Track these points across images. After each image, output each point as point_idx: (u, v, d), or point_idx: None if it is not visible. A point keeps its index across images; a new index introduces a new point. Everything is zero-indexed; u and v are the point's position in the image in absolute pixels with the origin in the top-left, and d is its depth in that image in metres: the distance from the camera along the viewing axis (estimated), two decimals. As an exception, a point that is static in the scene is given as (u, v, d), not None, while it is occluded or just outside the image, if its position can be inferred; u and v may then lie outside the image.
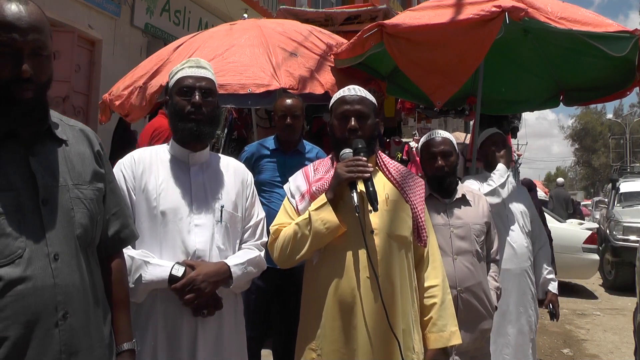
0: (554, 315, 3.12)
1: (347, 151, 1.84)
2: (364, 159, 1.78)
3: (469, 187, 2.69)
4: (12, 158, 1.23)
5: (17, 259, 1.18)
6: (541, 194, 21.84)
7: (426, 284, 1.93)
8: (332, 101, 1.97)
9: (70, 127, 1.41)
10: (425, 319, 1.90)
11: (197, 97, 1.81)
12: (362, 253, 1.76)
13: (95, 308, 1.33)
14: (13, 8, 1.22)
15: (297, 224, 1.82)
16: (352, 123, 1.85)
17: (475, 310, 2.39)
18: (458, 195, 2.53)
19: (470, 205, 2.53)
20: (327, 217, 1.75)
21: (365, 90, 1.95)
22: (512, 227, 3.02)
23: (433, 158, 2.48)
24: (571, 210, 13.26)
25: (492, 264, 2.62)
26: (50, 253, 1.22)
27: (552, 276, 3.19)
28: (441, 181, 2.48)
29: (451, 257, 2.39)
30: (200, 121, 1.82)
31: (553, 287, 3.16)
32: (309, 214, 1.79)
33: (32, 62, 1.22)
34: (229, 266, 1.79)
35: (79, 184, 1.33)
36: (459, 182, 2.60)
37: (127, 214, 1.55)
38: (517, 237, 3.03)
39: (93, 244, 1.38)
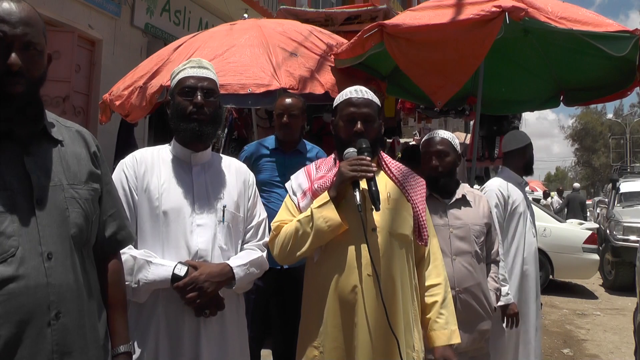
0: None
1: (351, 150, 1.84)
2: (368, 158, 1.79)
3: (470, 187, 2.65)
4: (7, 158, 1.23)
5: (10, 257, 1.17)
6: (541, 193, 21.91)
7: (427, 283, 1.94)
8: (337, 101, 1.96)
9: (67, 129, 1.41)
10: (427, 317, 1.91)
11: (199, 97, 1.81)
12: (364, 251, 1.77)
13: (90, 308, 1.33)
14: (4, 5, 1.23)
15: (298, 221, 1.82)
16: (359, 126, 1.86)
17: (474, 311, 2.39)
18: (458, 195, 2.52)
19: (470, 206, 2.52)
20: (329, 215, 1.76)
21: (371, 92, 1.95)
22: (533, 231, 3.11)
23: (428, 157, 2.49)
24: (586, 214, 13.38)
25: (492, 265, 2.62)
26: (43, 252, 1.21)
27: None
28: (435, 181, 2.47)
29: (450, 257, 2.39)
30: (203, 121, 1.82)
31: None
32: (311, 211, 1.79)
33: (23, 56, 1.22)
34: (231, 267, 1.79)
35: (74, 184, 1.33)
36: (460, 183, 2.60)
37: (123, 215, 1.54)
38: (535, 241, 3.13)
39: (88, 244, 1.37)
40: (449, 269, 2.29)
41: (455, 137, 2.57)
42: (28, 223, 1.21)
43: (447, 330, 1.88)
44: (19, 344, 1.16)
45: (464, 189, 2.57)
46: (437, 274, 1.95)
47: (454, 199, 2.52)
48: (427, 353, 1.91)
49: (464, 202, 2.52)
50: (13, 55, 1.20)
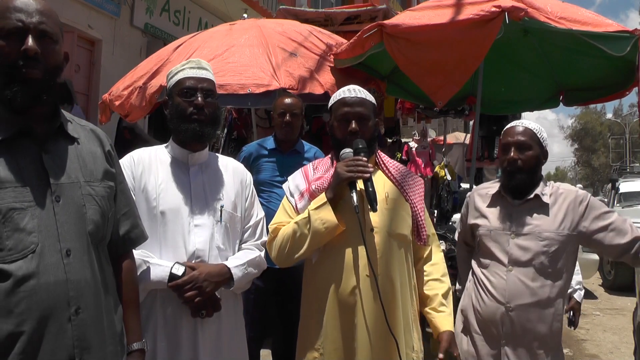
0: None
1: (347, 151, 1.83)
2: (364, 159, 1.78)
3: (555, 184, 2.20)
4: (25, 155, 1.26)
5: (30, 254, 1.20)
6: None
7: (427, 278, 1.94)
8: (331, 101, 1.96)
9: (82, 127, 1.44)
10: (430, 306, 1.90)
11: (199, 98, 1.81)
12: (362, 251, 1.76)
13: (107, 304, 1.35)
14: None
15: (296, 222, 1.82)
16: (353, 126, 1.85)
17: (529, 334, 2.04)
18: (530, 195, 2.11)
19: (545, 208, 2.10)
20: (326, 216, 1.75)
21: (365, 91, 1.95)
22: None
23: (507, 148, 2.13)
24: None
25: None
26: (62, 248, 1.24)
27: None
28: (511, 176, 2.11)
29: (505, 267, 2.07)
30: (203, 122, 1.82)
31: None
32: (309, 213, 1.79)
33: (39, 44, 1.26)
34: (229, 268, 1.79)
35: (91, 181, 1.35)
36: (541, 181, 2.16)
37: (136, 214, 1.57)
38: None
39: (104, 241, 1.40)
40: (500, 281, 2.07)
41: (544, 131, 2.17)
42: (47, 220, 1.24)
43: (451, 318, 1.88)
44: (42, 339, 1.19)
45: (543, 188, 2.14)
46: (437, 270, 1.95)
47: (524, 200, 2.12)
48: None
49: (537, 203, 2.11)
50: (30, 41, 1.24)
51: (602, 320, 6.47)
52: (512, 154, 2.09)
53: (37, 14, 1.27)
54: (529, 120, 2.23)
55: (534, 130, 2.12)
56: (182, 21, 8.93)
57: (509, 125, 2.20)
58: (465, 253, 2.39)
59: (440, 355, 1.81)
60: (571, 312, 3.07)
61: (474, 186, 3.31)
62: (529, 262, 2.05)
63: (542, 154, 2.13)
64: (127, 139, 5.35)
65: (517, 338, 2.05)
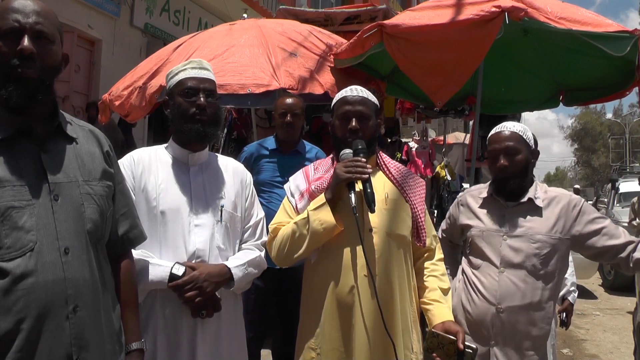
0: None
1: (346, 151, 1.84)
2: (363, 159, 1.78)
3: (548, 188, 2.21)
4: (25, 154, 1.27)
5: (29, 252, 1.20)
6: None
7: (427, 274, 1.93)
8: (334, 101, 1.97)
9: (80, 127, 1.45)
10: (430, 298, 1.90)
11: (202, 99, 1.81)
12: (360, 251, 1.76)
13: (105, 303, 1.35)
14: (22, 0, 1.31)
15: (295, 223, 1.82)
16: (353, 124, 1.85)
17: (522, 335, 2.03)
18: (524, 198, 2.12)
19: (539, 211, 2.10)
20: (325, 217, 1.75)
21: (367, 91, 1.95)
22: None
23: (495, 156, 2.12)
24: None
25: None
26: (60, 247, 1.25)
27: None
28: (503, 183, 2.11)
29: (497, 269, 2.06)
30: (205, 122, 1.82)
31: None
32: (307, 214, 1.79)
33: (36, 44, 1.27)
34: (229, 268, 1.79)
35: (89, 181, 1.36)
36: (533, 182, 2.17)
37: (135, 214, 1.57)
38: None
39: (102, 240, 1.40)
40: (492, 282, 2.06)
41: (529, 130, 2.16)
42: (45, 218, 1.24)
43: (451, 312, 1.88)
44: (40, 337, 1.19)
45: (536, 190, 2.14)
46: (437, 269, 1.95)
47: (518, 202, 2.12)
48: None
49: (530, 206, 2.11)
50: (25, 41, 1.25)
51: (602, 320, 6.47)
52: (501, 161, 2.08)
53: (34, 15, 1.29)
54: (513, 122, 2.21)
55: (520, 133, 2.11)
56: (182, 21, 8.93)
57: (493, 132, 2.18)
58: (449, 248, 2.42)
59: (460, 345, 1.77)
60: (564, 314, 3.07)
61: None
62: (521, 264, 2.04)
63: (531, 154, 2.14)
64: (93, 116, 5.23)
65: (507, 339, 2.04)
